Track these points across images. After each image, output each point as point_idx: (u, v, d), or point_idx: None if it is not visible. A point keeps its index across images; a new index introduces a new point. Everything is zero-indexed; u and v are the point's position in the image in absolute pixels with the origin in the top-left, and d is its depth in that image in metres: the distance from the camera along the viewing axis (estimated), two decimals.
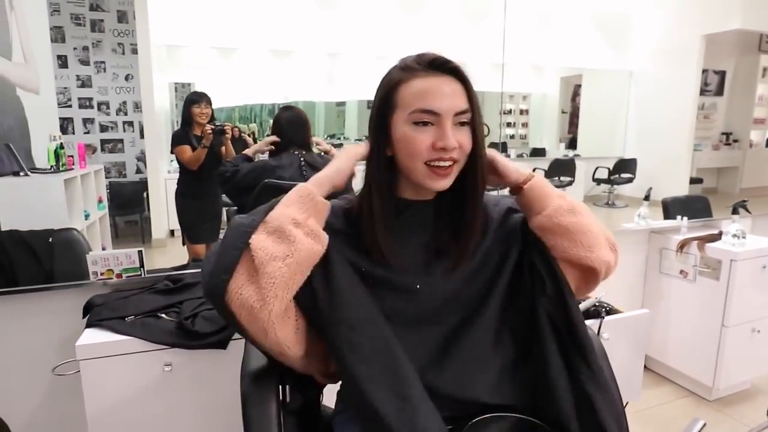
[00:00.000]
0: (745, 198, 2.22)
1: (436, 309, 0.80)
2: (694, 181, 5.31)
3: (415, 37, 4.62)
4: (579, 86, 6.25)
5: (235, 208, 2.00)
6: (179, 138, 2.18)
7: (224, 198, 2.20)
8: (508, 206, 0.87)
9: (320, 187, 0.75)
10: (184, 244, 2.33)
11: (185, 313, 1.22)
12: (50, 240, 1.64)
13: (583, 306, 1.46)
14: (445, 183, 0.75)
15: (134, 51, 3.22)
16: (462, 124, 0.74)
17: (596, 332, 1.36)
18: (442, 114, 0.72)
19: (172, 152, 2.25)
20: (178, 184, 2.32)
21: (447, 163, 0.73)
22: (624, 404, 1.49)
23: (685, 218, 2.12)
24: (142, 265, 1.36)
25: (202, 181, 2.21)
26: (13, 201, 1.91)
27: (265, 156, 1.84)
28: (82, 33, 3.23)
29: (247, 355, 0.84)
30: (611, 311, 1.48)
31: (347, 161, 0.79)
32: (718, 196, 5.73)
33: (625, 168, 5.29)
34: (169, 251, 3.06)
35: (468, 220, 0.78)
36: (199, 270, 1.48)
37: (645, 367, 2.26)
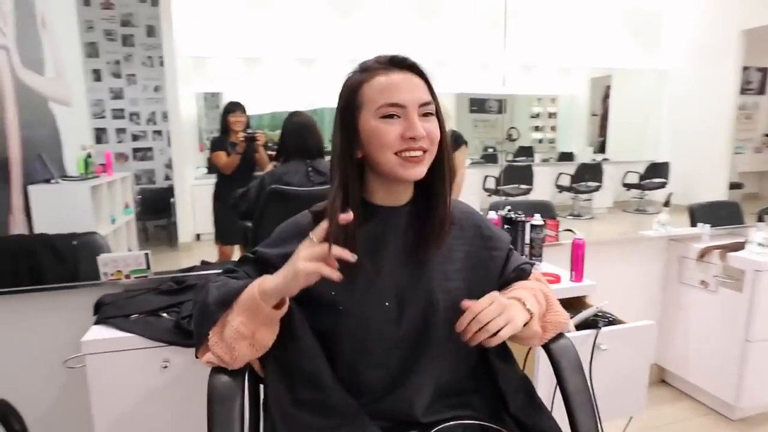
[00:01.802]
0: None
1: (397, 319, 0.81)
2: (734, 186, 5.06)
3: (435, 41, 4.62)
4: (610, 87, 6.09)
5: None
6: (216, 144, 2.34)
7: None
8: (478, 224, 0.90)
9: (268, 299, 0.72)
10: (216, 243, 2.46)
11: (184, 312, 1.28)
12: (74, 243, 1.75)
13: (581, 316, 1.43)
14: (418, 171, 0.77)
15: (162, 63, 3.37)
16: (426, 115, 0.77)
17: (592, 343, 1.34)
18: (407, 106, 0.75)
19: (209, 157, 2.39)
20: (214, 187, 2.46)
21: (417, 153, 0.76)
22: (628, 419, 1.46)
23: (707, 225, 2.04)
24: (148, 267, 1.43)
25: (234, 186, 2.32)
26: (44, 206, 2.04)
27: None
28: (114, 48, 3.38)
29: None
30: (613, 322, 1.45)
31: (297, 269, 0.69)
32: (760, 202, 5.45)
33: (657, 172, 5.12)
34: (194, 254, 3.18)
35: (437, 218, 0.81)
36: (204, 272, 1.55)
37: (663, 381, 2.19)
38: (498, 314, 0.73)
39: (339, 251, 0.68)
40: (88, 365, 1.18)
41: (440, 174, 0.81)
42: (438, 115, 0.79)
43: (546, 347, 0.91)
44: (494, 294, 0.76)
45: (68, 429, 1.52)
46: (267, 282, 0.73)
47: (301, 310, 0.79)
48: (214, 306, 0.76)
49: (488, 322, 0.71)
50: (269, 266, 0.79)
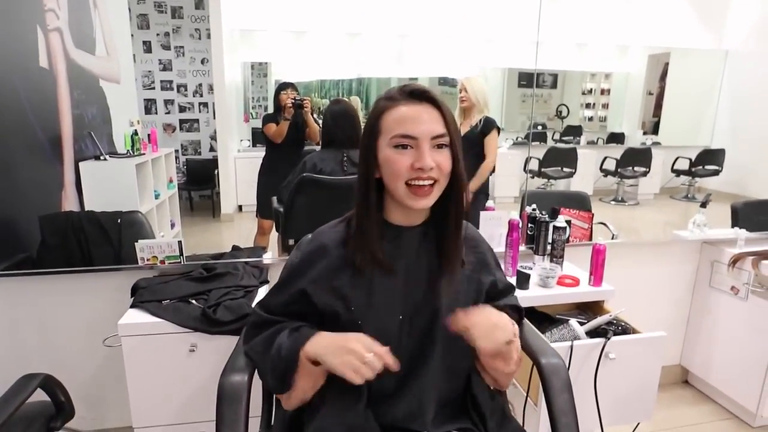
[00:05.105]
0: None
1: (405, 331, 0.87)
2: None
3: (485, 15, 4.44)
4: (668, 65, 5.71)
5: None
6: (268, 118, 2.45)
7: None
8: (485, 251, 0.97)
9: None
10: (256, 216, 2.56)
11: (211, 301, 1.38)
12: (119, 221, 1.89)
13: (593, 323, 1.43)
14: (425, 202, 0.82)
15: (209, 36, 3.45)
16: (440, 146, 0.81)
17: (600, 352, 1.34)
18: (419, 138, 0.79)
19: (262, 132, 2.51)
20: (261, 162, 2.53)
21: (426, 182, 0.80)
22: (635, 425, 1.47)
23: (743, 230, 1.95)
24: (181, 254, 1.54)
25: (282, 157, 2.40)
26: (93, 182, 2.18)
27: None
28: (164, 20, 3.47)
29: (237, 352, 0.96)
30: (626, 330, 1.44)
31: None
32: None
33: (710, 159, 4.82)
34: (236, 225, 3.34)
35: (450, 241, 0.86)
36: (232, 260, 1.65)
37: (686, 382, 2.17)
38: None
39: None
40: (124, 346, 1.31)
41: (455, 198, 0.84)
42: (453, 146, 0.81)
43: (538, 365, 0.95)
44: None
45: (108, 402, 1.68)
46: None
47: (321, 322, 0.86)
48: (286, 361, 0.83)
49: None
50: (305, 296, 0.86)
